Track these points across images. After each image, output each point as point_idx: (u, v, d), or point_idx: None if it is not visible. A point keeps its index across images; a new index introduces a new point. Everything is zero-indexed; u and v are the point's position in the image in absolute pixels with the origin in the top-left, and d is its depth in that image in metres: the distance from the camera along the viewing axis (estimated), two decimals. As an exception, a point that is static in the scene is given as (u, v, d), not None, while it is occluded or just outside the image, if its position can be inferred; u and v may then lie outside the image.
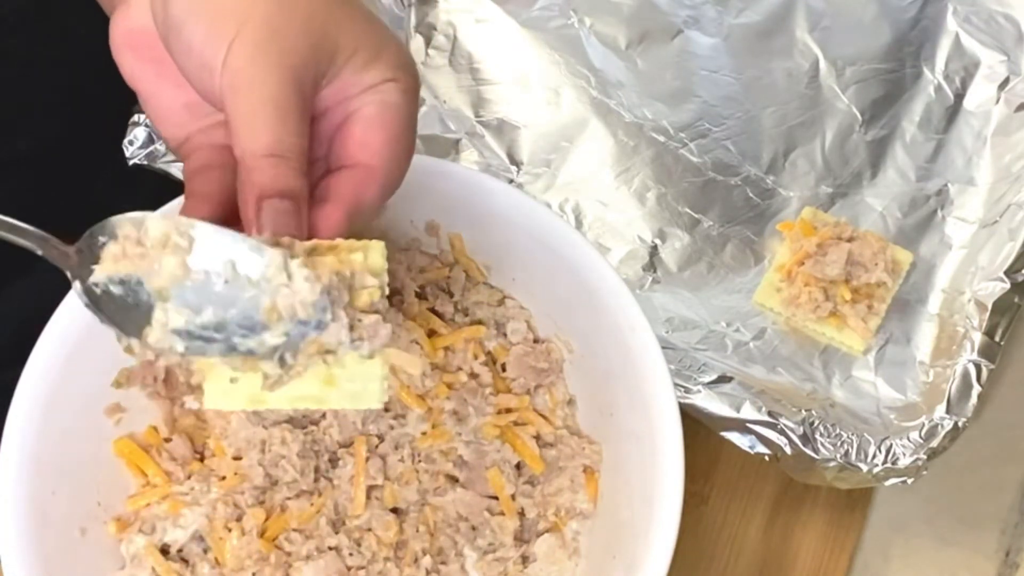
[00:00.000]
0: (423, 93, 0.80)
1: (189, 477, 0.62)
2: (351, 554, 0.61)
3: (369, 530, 0.62)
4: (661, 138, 0.80)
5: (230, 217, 0.47)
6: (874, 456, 0.67)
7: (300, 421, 0.64)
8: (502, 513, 0.63)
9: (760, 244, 0.77)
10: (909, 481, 0.67)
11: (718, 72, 0.82)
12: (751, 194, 0.79)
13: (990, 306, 0.72)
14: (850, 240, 0.74)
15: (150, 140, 0.75)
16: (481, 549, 0.62)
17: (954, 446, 0.68)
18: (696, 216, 0.78)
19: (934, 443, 0.68)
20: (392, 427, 0.63)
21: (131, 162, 0.76)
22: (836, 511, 0.73)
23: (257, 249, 0.44)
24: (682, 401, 0.63)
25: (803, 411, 0.68)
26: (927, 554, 0.73)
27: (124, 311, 0.45)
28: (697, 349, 0.73)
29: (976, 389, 0.69)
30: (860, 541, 0.73)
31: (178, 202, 0.53)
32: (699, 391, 0.69)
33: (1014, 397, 0.76)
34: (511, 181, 0.79)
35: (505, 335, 0.65)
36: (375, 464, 0.62)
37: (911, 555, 0.73)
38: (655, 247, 0.77)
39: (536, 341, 0.65)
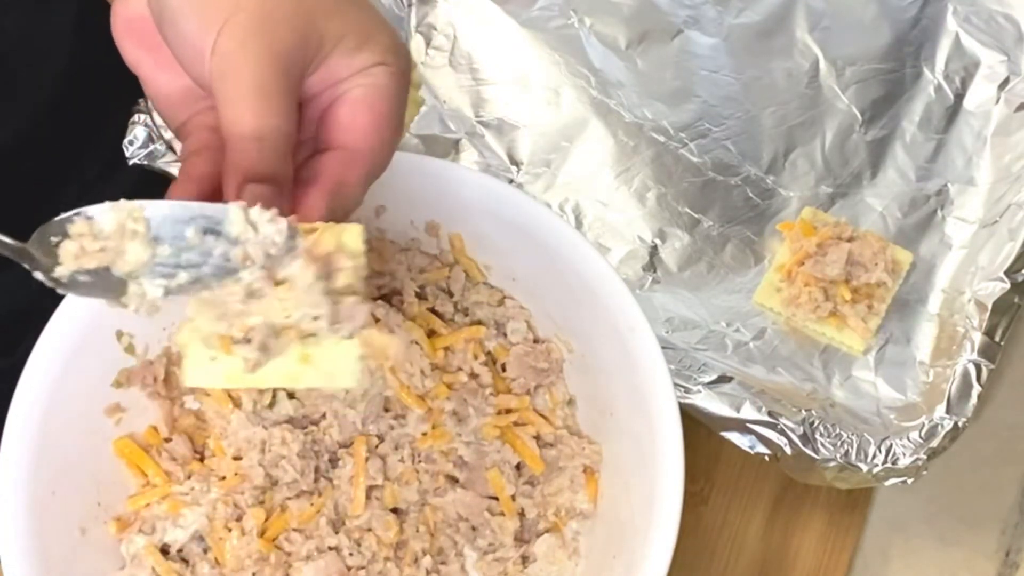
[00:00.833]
0: (423, 92, 0.80)
1: (189, 477, 0.62)
2: (351, 554, 0.61)
3: (369, 530, 0.62)
4: (661, 138, 0.80)
5: (217, 197, 0.48)
6: (874, 456, 0.67)
7: (300, 421, 0.64)
8: (502, 513, 0.63)
9: (760, 244, 0.77)
10: (909, 481, 0.67)
11: (718, 72, 0.82)
12: (751, 194, 0.79)
13: (990, 306, 0.72)
14: (850, 240, 0.74)
15: (150, 140, 0.75)
16: (481, 549, 0.62)
17: (954, 446, 0.68)
18: (696, 216, 0.78)
19: (934, 443, 0.68)
20: (392, 427, 0.63)
21: (131, 162, 0.76)
22: (836, 511, 0.73)
23: (217, 210, 0.45)
24: (682, 401, 0.63)
25: (803, 411, 0.68)
26: (927, 554, 0.73)
27: (96, 289, 0.46)
28: (697, 349, 0.73)
29: (976, 389, 0.69)
30: (860, 541, 0.73)
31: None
32: (699, 391, 0.69)
33: (1014, 397, 0.76)
34: (511, 181, 0.79)
35: (505, 335, 0.65)
36: (375, 464, 0.62)
37: (911, 555, 0.73)
38: (655, 247, 0.77)
39: (536, 341, 0.65)
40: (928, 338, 0.73)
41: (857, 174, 0.79)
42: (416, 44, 0.83)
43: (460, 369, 0.64)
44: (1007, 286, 0.72)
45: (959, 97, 0.81)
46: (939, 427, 0.68)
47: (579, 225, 0.77)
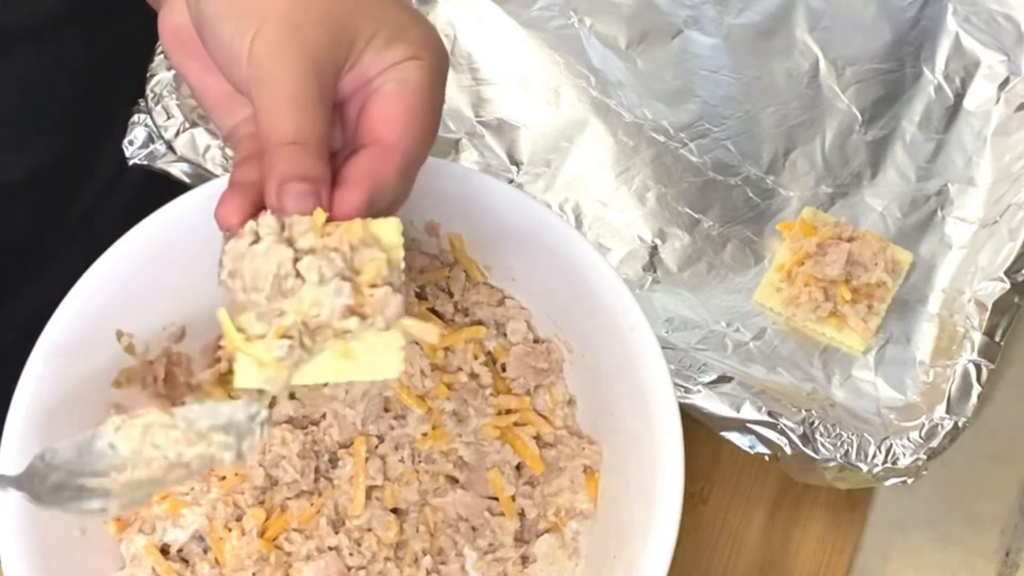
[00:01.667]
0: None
1: (189, 477, 0.62)
2: (351, 554, 0.61)
3: (369, 530, 0.62)
4: (661, 138, 0.80)
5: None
6: (874, 456, 0.67)
7: (300, 421, 0.64)
8: (502, 514, 0.63)
9: (760, 244, 0.77)
10: (909, 481, 0.67)
11: (718, 72, 0.82)
12: (751, 194, 0.79)
13: (990, 306, 0.72)
14: (850, 240, 0.74)
15: (150, 140, 0.75)
16: (481, 549, 0.62)
17: (954, 446, 0.68)
18: (696, 216, 0.78)
19: (934, 443, 0.68)
20: (392, 428, 0.63)
21: (131, 162, 0.76)
22: (836, 511, 0.73)
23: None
24: (682, 401, 0.63)
25: (803, 411, 0.68)
26: (927, 554, 0.73)
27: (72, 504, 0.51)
28: (697, 349, 0.73)
29: (976, 389, 0.69)
30: (860, 541, 0.73)
31: (211, 185, 0.57)
32: (699, 391, 0.69)
33: (1014, 397, 0.76)
34: (511, 181, 0.78)
35: (505, 335, 0.65)
36: (375, 464, 0.62)
37: (911, 555, 0.73)
38: (655, 247, 0.77)
39: (536, 341, 0.65)
40: (928, 338, 0.73)
41: (857, 174, 0.79)
42: (416, 44, 0.83)
43: (460, 369, 0.64)
44: (1007, 286, 0.72)
45: (959, 97, 0.81)
46: (939, 427, 0.68)
47: (579, 225, 0.77)
